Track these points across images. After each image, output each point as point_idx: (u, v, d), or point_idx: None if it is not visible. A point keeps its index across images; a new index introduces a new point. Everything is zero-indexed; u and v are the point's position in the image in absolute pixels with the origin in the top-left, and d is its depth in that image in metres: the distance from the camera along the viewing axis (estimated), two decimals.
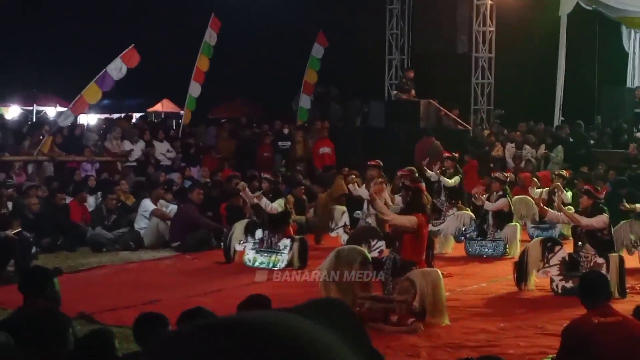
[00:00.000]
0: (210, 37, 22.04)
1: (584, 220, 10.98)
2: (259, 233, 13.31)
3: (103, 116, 29.07)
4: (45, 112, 30.22)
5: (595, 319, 5.54)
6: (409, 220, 9.52)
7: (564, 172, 16.18)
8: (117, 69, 19.06)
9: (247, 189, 13.90)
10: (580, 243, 11.08)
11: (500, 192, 14.57)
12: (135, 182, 18.12)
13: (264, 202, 13.28)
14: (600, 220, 10.90)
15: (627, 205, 14.18)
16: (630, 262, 11.88)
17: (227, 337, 1.31)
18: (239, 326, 1.33)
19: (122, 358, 5.39)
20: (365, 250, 9.82)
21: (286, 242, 13.06)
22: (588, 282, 6.09)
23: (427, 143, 19.55)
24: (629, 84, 24.18)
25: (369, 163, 15.49)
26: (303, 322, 1.35)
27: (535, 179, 15.85)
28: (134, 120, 25.15)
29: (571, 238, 12.12)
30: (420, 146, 19.55)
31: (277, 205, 13.31)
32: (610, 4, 22.80)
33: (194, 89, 22.10)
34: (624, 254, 12.05)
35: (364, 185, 14.83)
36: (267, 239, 13.18)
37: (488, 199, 14.49)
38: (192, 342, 1.32)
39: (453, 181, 15.87)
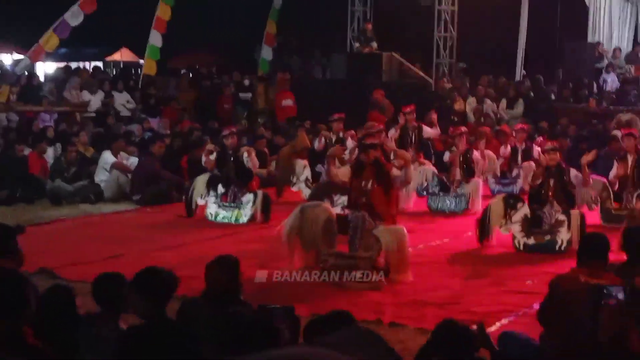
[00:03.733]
0: None
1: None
2: (220, 187, 13.19)
3: (61, 64, 28.55)
4: (0, 60, 29.62)
5: (582, 278, 5.52)
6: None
7: (524, 127, 16.24)
8: (74, 15, 18.73)
9: (253, 154, 13.65)
10: (543, 200, 11.10)
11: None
12: (94, 133, 17.87)
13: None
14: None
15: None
16: (591, 218, 11.92)
17: None
18: None
19: (84, 317, 5.31)
20: (330, 207, 9.77)
21: (249, 196, 12.95)
22: (588, 239, 6.09)
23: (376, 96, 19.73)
24: (589, 39, 24.24)
25: (333, 116, 15.43)
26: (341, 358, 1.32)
27: (513, 136, 15.82)
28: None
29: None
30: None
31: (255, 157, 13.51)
32: None
33: (155, 38, 21.73)
34: (584, 210, 12.11)
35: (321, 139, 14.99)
36: (231, 193, 13.08)
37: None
38: None
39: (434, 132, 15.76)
